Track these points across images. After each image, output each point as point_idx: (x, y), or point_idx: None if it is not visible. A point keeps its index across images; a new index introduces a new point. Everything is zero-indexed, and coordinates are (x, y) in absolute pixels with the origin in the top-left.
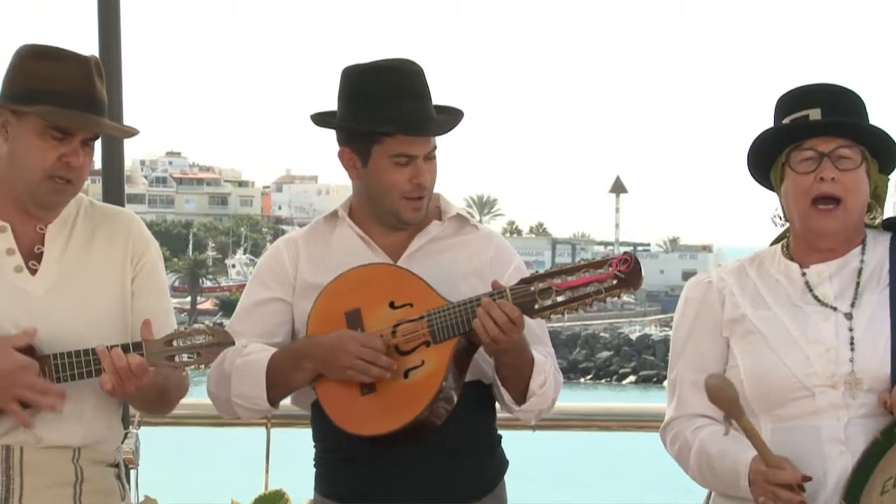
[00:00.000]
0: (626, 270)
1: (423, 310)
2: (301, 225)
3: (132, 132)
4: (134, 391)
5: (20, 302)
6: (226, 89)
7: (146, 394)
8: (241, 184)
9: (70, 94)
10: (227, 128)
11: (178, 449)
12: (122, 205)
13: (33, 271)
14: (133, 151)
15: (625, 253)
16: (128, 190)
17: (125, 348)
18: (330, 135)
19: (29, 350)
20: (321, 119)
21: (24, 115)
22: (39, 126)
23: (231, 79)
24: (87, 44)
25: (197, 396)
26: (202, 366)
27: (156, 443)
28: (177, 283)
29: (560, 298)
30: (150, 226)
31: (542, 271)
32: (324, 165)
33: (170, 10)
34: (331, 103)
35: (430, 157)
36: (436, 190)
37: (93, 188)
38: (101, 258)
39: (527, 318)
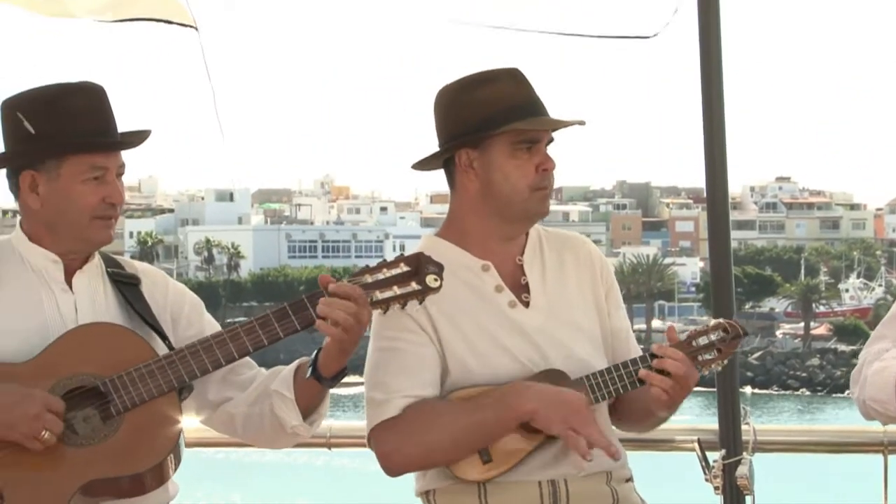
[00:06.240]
0: None
1: None
2: None
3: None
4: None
5: (522, 336)
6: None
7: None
8: (853, 207)
9: (520, 106)
10: (837, 151)
11: (796, 475)
12: (729, 231)
13: (525, 304)
14: (742, 178)
15: None
16: (737, 216)
17: (642, 360)
18: None
19: (560, 375)
20: None
21: (489, 145)
22: (507, 147)
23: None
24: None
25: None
26: (723, 362)
27: (773, 469)
28: (789, 309)
29: None
30: (760, 251)
31: None
32: None
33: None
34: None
35: None
36: None
37: (702, 216)
38: (576, 281)
39: None
